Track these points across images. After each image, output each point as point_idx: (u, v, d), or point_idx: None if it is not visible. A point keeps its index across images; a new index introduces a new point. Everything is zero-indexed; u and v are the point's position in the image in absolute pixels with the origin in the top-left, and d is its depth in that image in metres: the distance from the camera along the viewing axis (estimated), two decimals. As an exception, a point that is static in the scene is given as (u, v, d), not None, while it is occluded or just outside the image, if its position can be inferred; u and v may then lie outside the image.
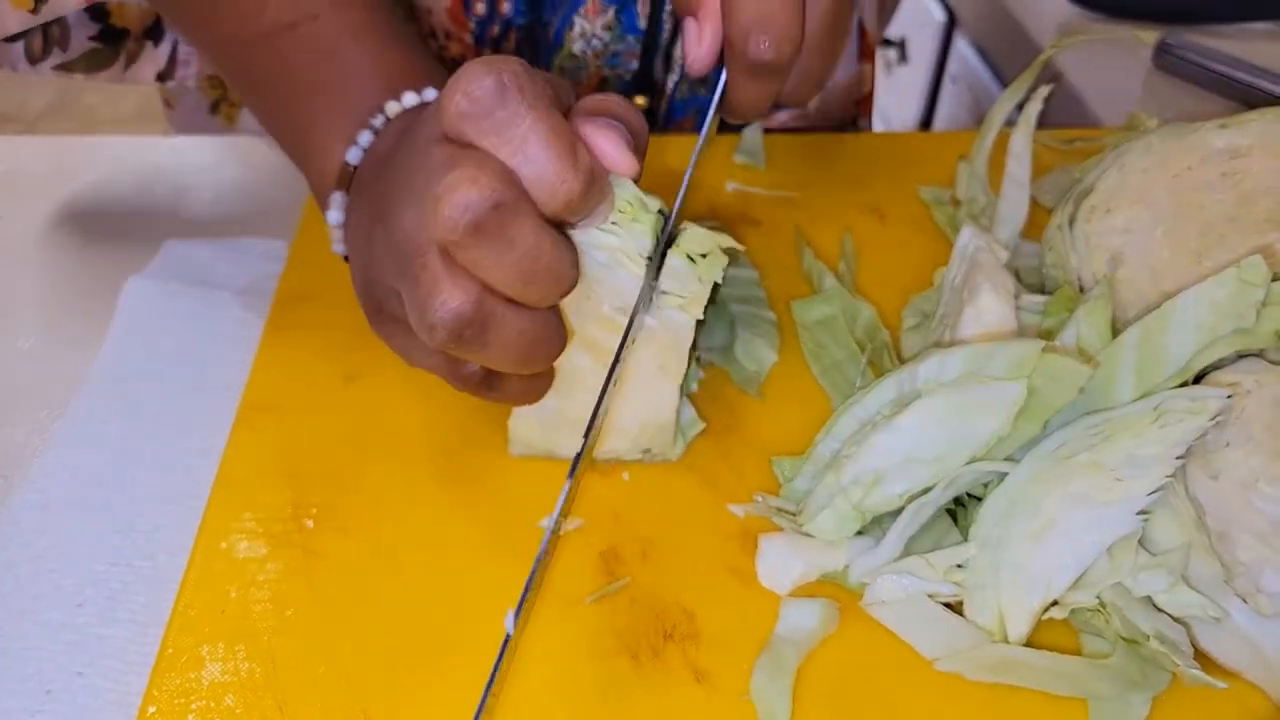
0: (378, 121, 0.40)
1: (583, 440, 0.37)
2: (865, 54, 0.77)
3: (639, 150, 0.36)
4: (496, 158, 0.32)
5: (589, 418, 0.39)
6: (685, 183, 0.40)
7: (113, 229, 0.58)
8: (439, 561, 0.39)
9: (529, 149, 0.32)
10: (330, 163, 0.41)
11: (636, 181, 0.36)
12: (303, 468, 0.42)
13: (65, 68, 0.56)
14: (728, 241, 0.38)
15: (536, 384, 0.39)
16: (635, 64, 0.66)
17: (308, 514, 0.40)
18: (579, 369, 0.39)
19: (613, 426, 0.41)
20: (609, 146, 0.34)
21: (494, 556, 0.39)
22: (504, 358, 0.34)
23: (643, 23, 0.64)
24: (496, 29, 0.63)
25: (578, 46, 0.64)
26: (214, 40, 0.49)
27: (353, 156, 0.40)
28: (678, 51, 0.67)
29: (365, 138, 0.40)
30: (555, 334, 0.35)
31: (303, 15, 0.44)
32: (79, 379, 0.49)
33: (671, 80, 0.68)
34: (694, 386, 0.46)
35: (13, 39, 0.52)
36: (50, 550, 0.41)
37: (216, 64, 0.50)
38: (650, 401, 0.40)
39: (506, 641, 0.35)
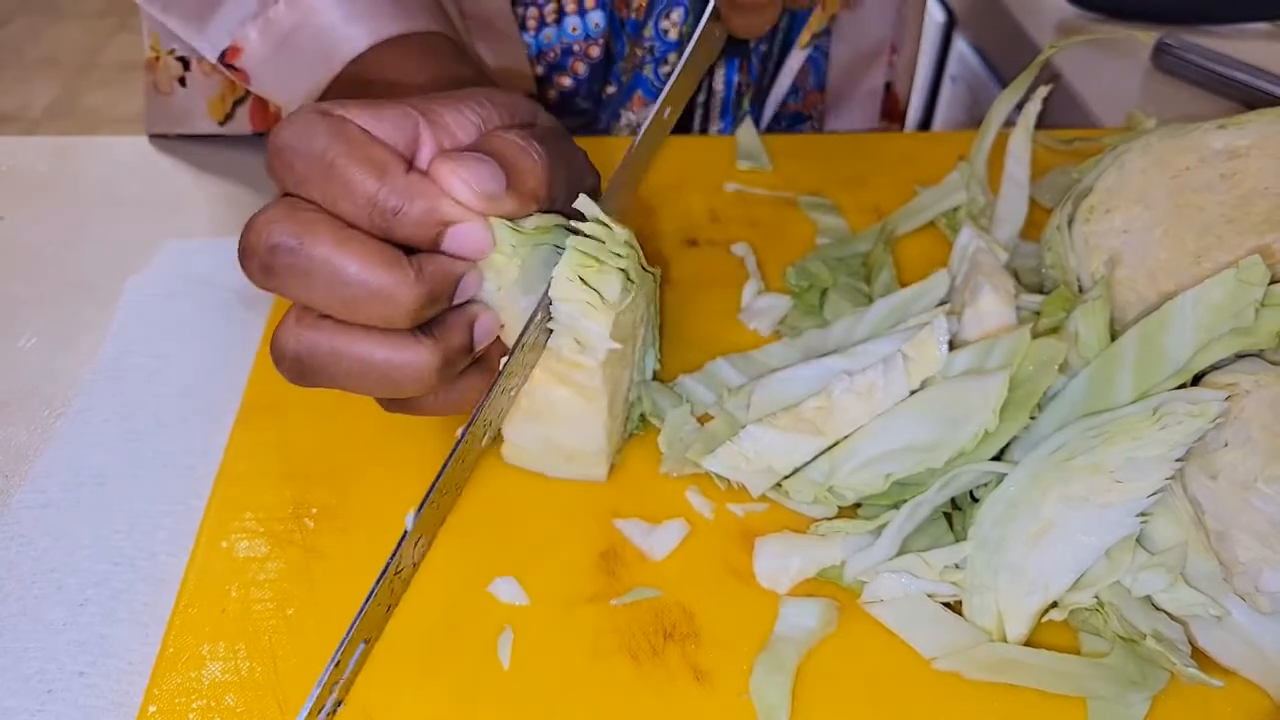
0: None
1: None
2: (890, 114, 0.77)
3: (520, 190, 0.35)
4: (289, 200, 0.33)
5: (576, 446, 0.39)
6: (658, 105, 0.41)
7: (113, 229, 0.58)
8: (438, 561, 0.39)
9: (334, 179, 0.32)
10: None
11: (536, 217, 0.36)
12: (303, 468, 0.42)
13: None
14: (621, 237, 0.38)
15: (459, 399, 0.37)
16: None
17: (308, 514, 0.40)
18: (559, 401, 0.38)
19: (541, 450, 0.41)
20: (455, 183, 0.34)
21: (492, 557, 0.39)
22: (357, 386, 0.34)
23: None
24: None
25: (624, 134, 0.69)
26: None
27: None
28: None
29: None
30: (418, 358, 0.34)
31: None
32: (79, 379, 0.49)
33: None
34: (650, 373, 0.45)
35: None
36: (52, 550, 0.41)
37: None
38: (576, 433, 0.40)
39: (404, 539, 0.34)
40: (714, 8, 0.41)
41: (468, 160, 0.34)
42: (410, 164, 0.34)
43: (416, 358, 0.34)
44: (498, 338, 0.38)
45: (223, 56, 0.50)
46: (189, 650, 0.36)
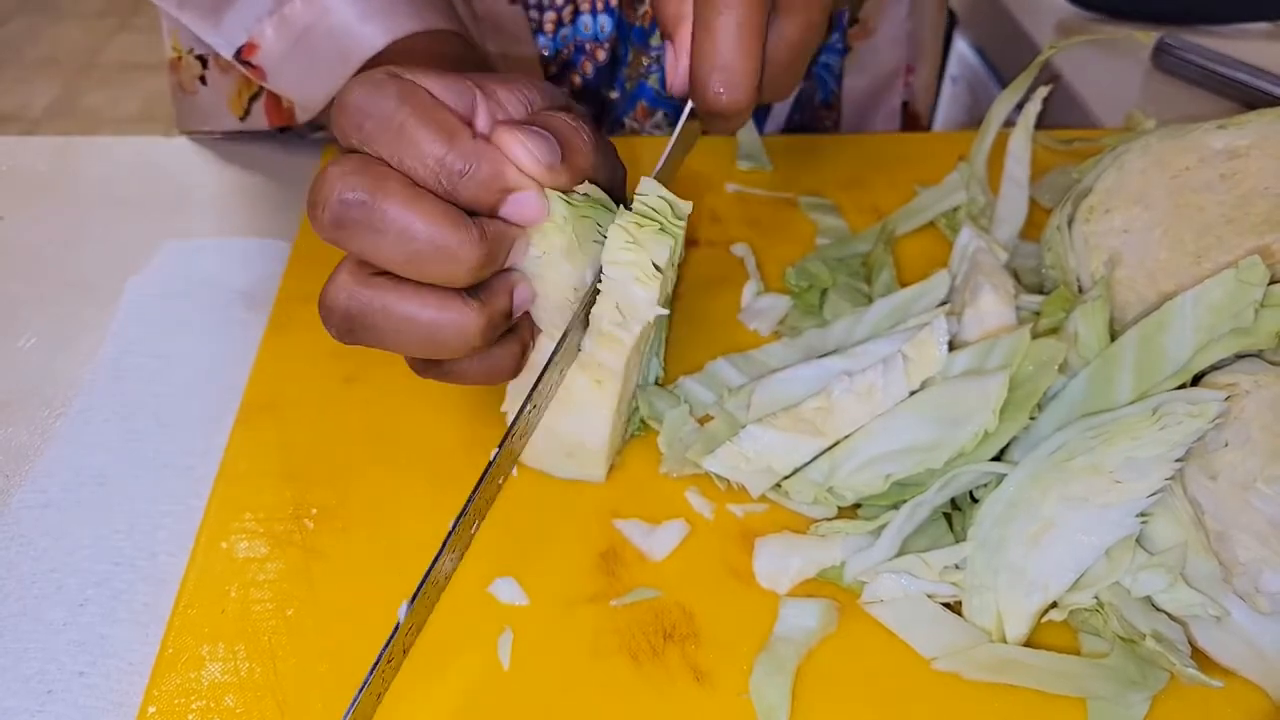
0: None
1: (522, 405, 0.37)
2: (909, 127, 0.78)
3: (573, 165, 0.36)
4: (359, 156, 0.33)
5: (580, 439, 0.39)
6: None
7: (113, 229, 0.58)
8: (439, 561, 0.39)
9: (403, 139, 0.33)
10: None
11: (566, 192, 0.36)
12: (303, 468, 0.42)
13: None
14: (684, 210, 0.38)
15: (491, 365, 0.38)
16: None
17: (308, 514, 0.40)
18: (574, 387, 0.39)
19: (543, 441, 0.40)
20: (519, 151, 0.35)
21: (492, 557, 0.39)
22: (404, 345, 0.35)
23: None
24: None
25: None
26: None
27: None
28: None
29: None
30: (465, 318, 0.34)
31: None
32: (79, 379, 0.49)
33: None
34: (653, 379, 0.45)
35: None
36: (52, 550, 0.41)
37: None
38: (581, 423, 0.40)
39: (396, 630, 0.34)
40: (691, 109, 0.42)
41: (529, 131, 0.35)
42: (474, 130, 0.35)
43: (463, 318, 0.34)
44: (525, 311, 0.38)
45: (239, 53, 0.50)
46: (189, 651, 0.36)
